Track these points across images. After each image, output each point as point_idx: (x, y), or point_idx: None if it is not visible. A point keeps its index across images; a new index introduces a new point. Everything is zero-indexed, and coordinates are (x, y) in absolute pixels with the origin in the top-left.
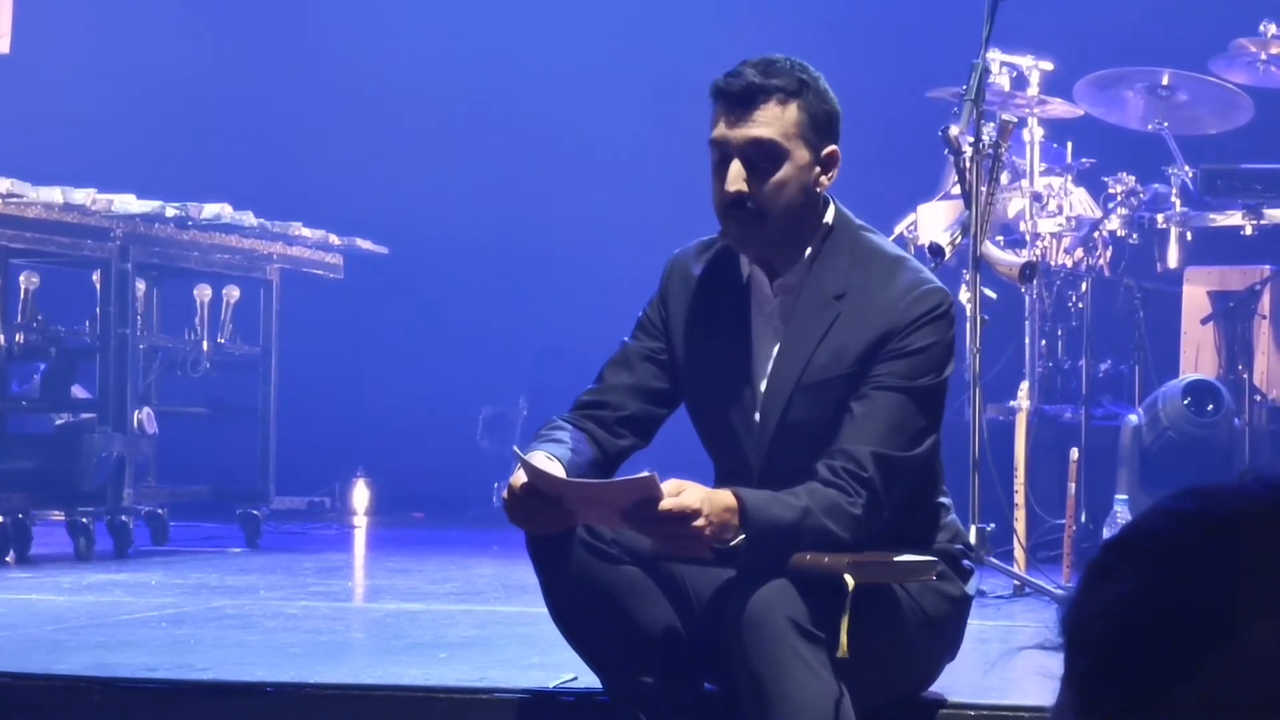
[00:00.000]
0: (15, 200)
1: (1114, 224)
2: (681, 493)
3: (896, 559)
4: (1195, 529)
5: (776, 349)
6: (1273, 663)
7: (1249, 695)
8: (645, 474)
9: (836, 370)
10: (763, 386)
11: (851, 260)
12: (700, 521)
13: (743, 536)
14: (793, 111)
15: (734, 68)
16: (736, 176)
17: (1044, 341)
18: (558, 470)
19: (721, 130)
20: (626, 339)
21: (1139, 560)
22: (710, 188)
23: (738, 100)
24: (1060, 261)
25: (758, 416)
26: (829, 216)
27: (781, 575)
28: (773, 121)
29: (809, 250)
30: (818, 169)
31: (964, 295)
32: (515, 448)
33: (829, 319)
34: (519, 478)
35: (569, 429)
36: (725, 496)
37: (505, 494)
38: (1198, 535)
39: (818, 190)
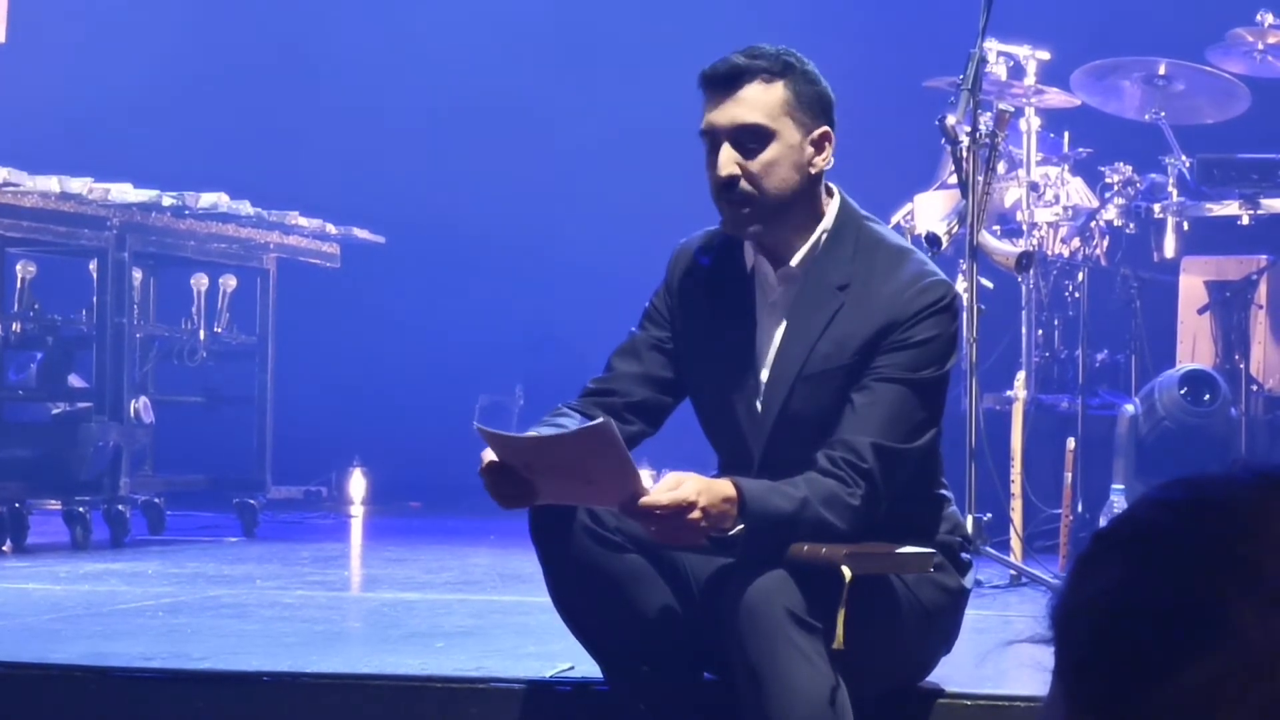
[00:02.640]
0: (12, 189)
1: (1111, 213)
2: (679, 485)
3: (895, 550)
4: (1184, 519)
5: (779, 338)
6: (1262, 652)
7: (1239, 685)
8: (599, 420)
9: (839, 360)
10: (765, 375)
11: (855, 250)
12: (696, 514)
13: (741, 526)
14: (778, 90)
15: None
16: (728, 160)
17: (1040, 331)
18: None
19: (709, 117)
20: (634, 329)
21: (1127, 551)
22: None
23: (722, 83)
24: (1057, 251)
25: (759, 405)
26: (834, 206)
27: (780, 565)
28: (757, 101)
29: (812, 239)
30: (810, 149)
31: (960, 285)
32: (476, 424)
33: (832, 309)
34: (487, 454)
35: (575, 415)
36: (724, 486)
37: (480, 469)
38: (1186, 525)
39: (812, 170)
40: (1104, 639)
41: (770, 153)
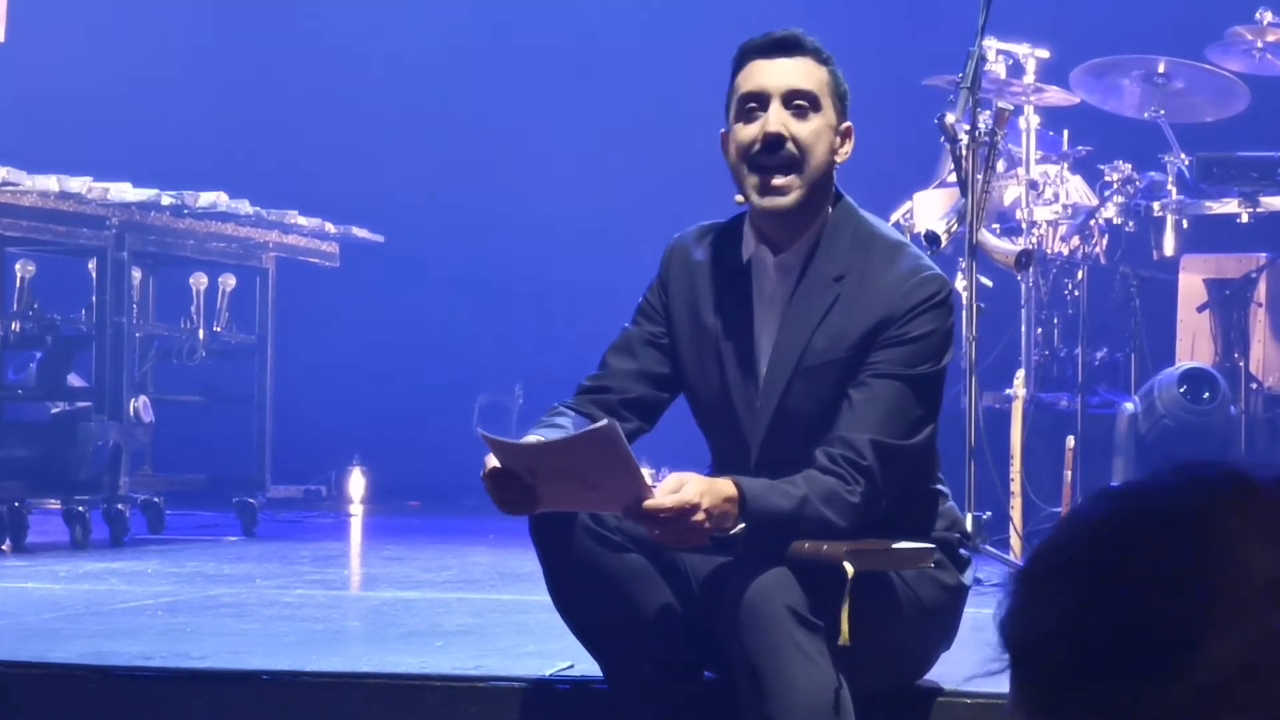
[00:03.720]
0: (11, 188)
1: (1110, 212)
2: (682, 487)
3: (895, 546)
4: (1133, 533)
5: (776, 330)
6: (1241, 660)
7: (1229, 692)
8: (603, 422)
9: (835, 354)
10: (763, 369)
11: (852, 243)
12: (700, 516)
13: (742, 525)
14: (825, 72)
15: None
16: (779, 117)
17: (1040, 329)
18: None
19: (761, 80)
20: (628, 325)
21: (1081, 573)
22: (707, 176)
23: (780, 47)
24: (1056, 249)
25: (757, 400)
26: (834, 200)
27: (781, 563)
28: (811, 72)
29: (811, 230)
30: (837, 138)
31: (960, 283)
32: (479, 430)
33: (828, 300)
34: (490, 459)
35: (571, 415)
36: (725, 486)
37: (482, 474)
38: (1137, 539)
39: (836, 159)
40: (1080, 662)
41: (819, 122)
